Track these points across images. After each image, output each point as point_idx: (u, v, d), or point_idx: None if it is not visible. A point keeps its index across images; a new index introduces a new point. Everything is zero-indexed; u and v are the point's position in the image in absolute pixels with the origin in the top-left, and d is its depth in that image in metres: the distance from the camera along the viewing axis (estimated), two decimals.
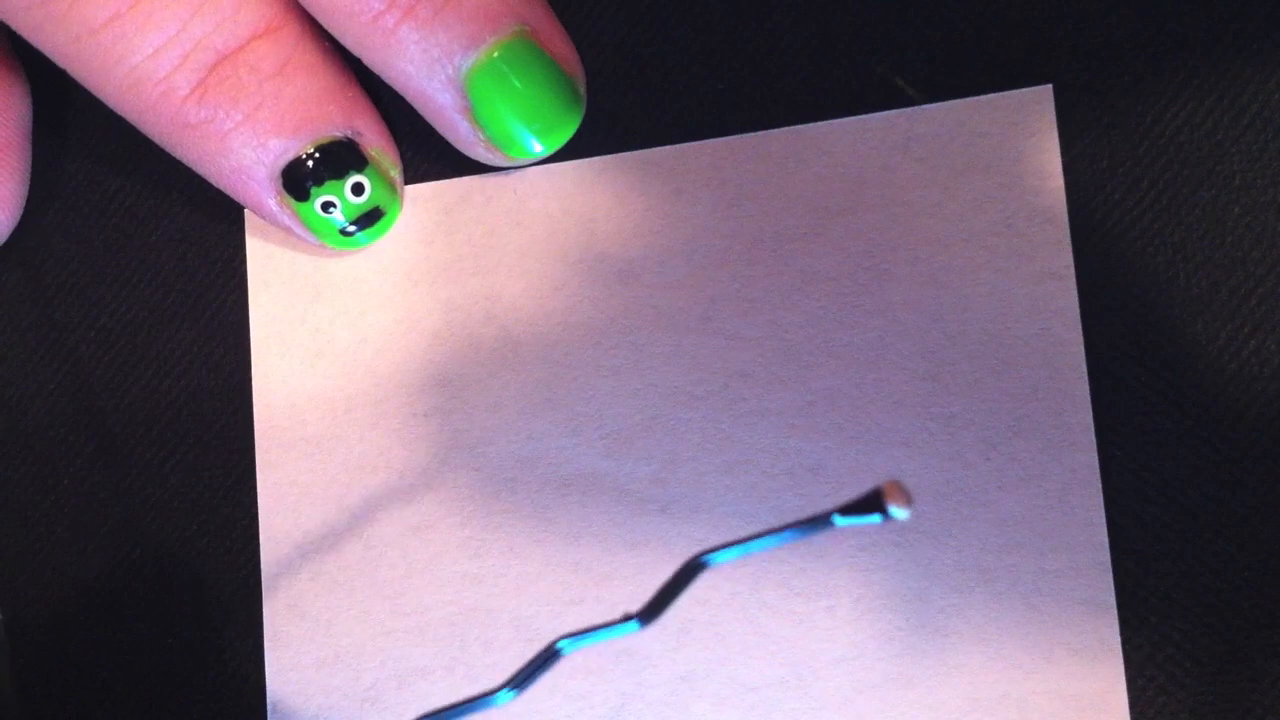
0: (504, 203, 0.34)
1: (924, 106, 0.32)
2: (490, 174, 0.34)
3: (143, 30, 0.30)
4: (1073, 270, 0.31)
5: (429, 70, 0.31)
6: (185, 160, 0.32)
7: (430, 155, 0.34)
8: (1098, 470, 0.30)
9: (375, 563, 0.33)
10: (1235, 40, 0.31)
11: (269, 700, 0.33)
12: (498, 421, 0.33)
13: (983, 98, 0.31)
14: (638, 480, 0.32)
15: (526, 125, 0.32)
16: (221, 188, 0.33)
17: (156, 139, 0.32)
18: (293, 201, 0.32)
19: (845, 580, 0.31)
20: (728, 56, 0.33)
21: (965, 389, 0.31)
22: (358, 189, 0.32)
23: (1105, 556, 0.30)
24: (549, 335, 0.33)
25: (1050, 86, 0.31)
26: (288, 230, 0.33)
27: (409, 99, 0.32)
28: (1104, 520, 0.30)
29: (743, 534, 0.32)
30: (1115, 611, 0.30)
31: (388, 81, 0.32)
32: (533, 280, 0.33)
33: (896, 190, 0.32)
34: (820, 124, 0.32)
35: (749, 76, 0.33)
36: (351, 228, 0.33)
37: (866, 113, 0.32)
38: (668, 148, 0.33)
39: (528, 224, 0.33)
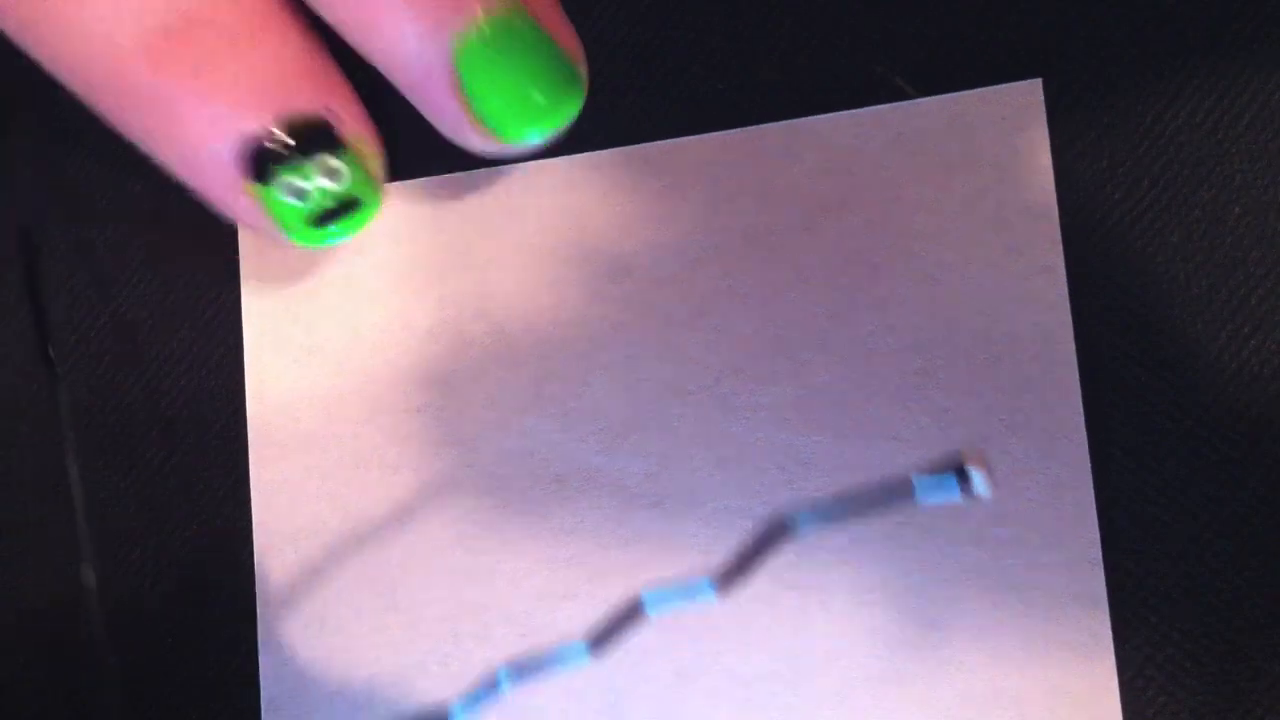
0: (496, 199, 0.34)
1: (915, 101, 0.32)
2: (482, 170, 0.34)
3: None
4: (1064, 265, 0.31)
5: (416, 44, 0.28)
6: (141, 140, 0.29)
7: (421, 151, 0.34)
8: (1089, 465, 0.30)
9: (368, 559, 0.33)
10: (1235, 40, 0.31)
11: (263, 697, 0.34)
12: (490, 417, 0.33)
13: (973, 92, 0.31)
14: (631, 476, 0.32)
15: (519, 105, 0.29)
16: (176, 171, 0.30)
17: (110, 116, 0.29)
18: (256, 186, 0.29)
19: (839, 575, 0.31)
20: (721, 53, 0.33)
21: (957, 384, 0.31)
22: (331, 173, 0.29)
23: (1097, 552, 0.30)
24: (541, 331, 0.33)
25: (1040, 81, 0.31)
26: (249, 224, 0.30)
27: (392, 77, 0.29)
28: (1096, 515, 0.30)
29: (737, 530, 0.32)
30: (1107, 606, 0.30)
31: (369, 58, 0.29)
32: (525, 276, 0.33)
33: (888, 185, 0.32)
34: (811, 119, 0.32)
35: (742, 72, 0.33)
36: (324, 219, 0.30)
37: (858, 107, 0.32)
38: (660, 143, 0.33)
39: (519, 220, 0.34)
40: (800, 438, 0.32)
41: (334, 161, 0.29)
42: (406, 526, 0.33)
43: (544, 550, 0.32)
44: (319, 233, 0.30)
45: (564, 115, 0.29)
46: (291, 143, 0.28)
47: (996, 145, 0.31)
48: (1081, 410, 0.30)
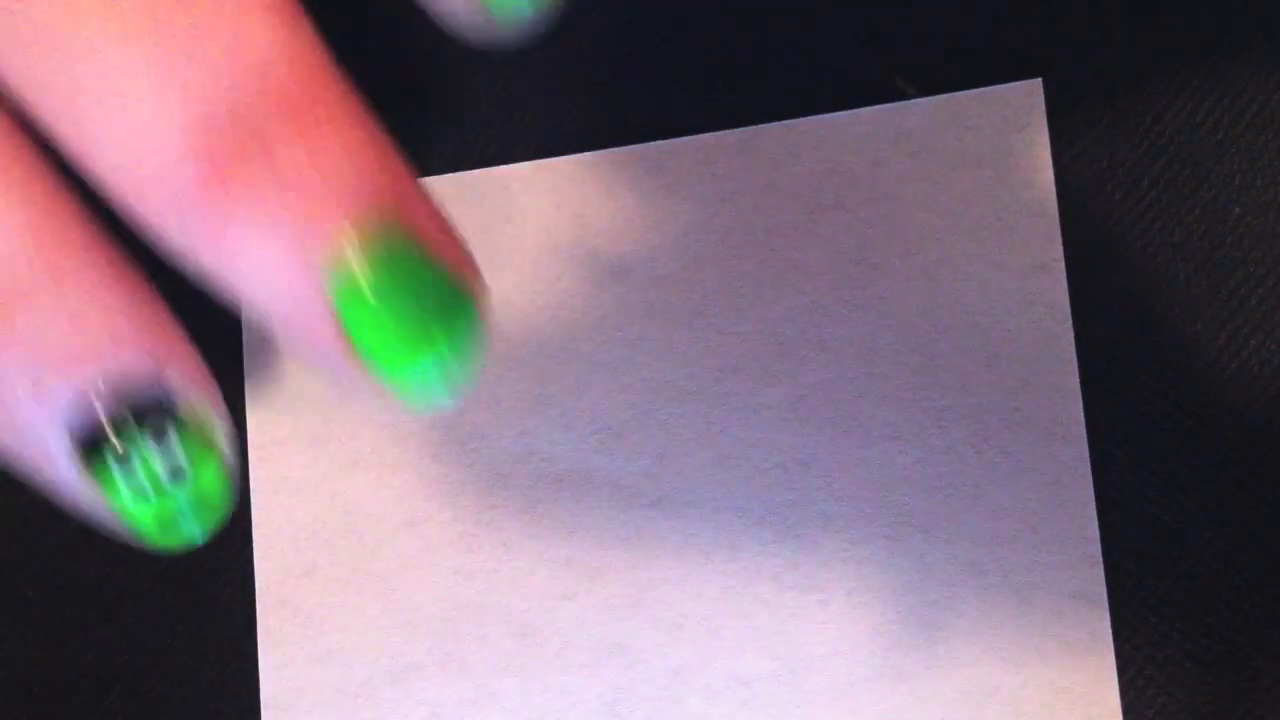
0: (496, 199, 0.34)
1: (914, 101, 0.32)
2: (482, 170, 0.34)
3: None
4: (1063, 264, 0.31)
5: (284, 280, 0.20)
6: None
7: (421, 151, 0.34)
8: (1088, 463, 0.30)
9: (368, 559, 0.33)
10: (1235, 40, 0.31)
11: (263, 697, 0.34)
12: (490, 417, 0.33)
13: (973, 92, 0.31)
14: (630, 475, 0.32)
15: (410, 342, 0.21)
16: (11, 460, 0.23)
17: None
18: (90, 466, 0.21)
19: (838, 574, 0.31)
20: (721, 53, 0.33)
21: (956, 382, 0.31)
22: (161, 438, 0.21)
23: (1096, 550, 0.30)
24: (541, 331, 0.33)
25: (1040, 81, 0.31)
26: (93, 514, 0.22)
27: (265, 317, 0.21)
28: (1095, 513, 0.30)
29: (735, 528, 0.32)
30: (1106, 604, 0.30)
31: (238, 298, 0.21)
32: (525, 276, 0.33)
33: (887, 185, 0.32)
34: (811, 119, 0.32)
35: (742, 72, 0.33)
36: (176, 515, 0.22)
37: (858, 107, 0.32)
38: (659, 143, 0.33)
39: (519, 220, 0.33)
40: (799, 437, 0.32)
41: (167, 429, 0.22)
42: (406, 526, 0.33)
43: (543, 549, 0.32)
44: (170, 529, 0.22)
45: (461, 345, 0.22)
46: (119, 413, 0.21)
47: (996, 145, 0.31)
48: (1081, 410, 0.30)
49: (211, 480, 0.22)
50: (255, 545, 0.34)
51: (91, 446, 0.21)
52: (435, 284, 0.21)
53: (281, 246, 0.20)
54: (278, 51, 0.20)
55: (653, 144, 0.33)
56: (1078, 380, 0.30)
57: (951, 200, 0.31)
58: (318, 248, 0.20)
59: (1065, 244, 0.31)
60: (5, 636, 0.35)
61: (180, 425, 0.21)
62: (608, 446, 0.32)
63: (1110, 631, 0.30)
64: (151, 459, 0.21)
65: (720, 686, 0.31)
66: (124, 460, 0.21)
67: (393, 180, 0.21)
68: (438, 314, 0.21)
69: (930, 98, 0.32)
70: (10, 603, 0.35)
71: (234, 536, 0.35)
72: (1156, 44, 0.31)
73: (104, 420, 0.21)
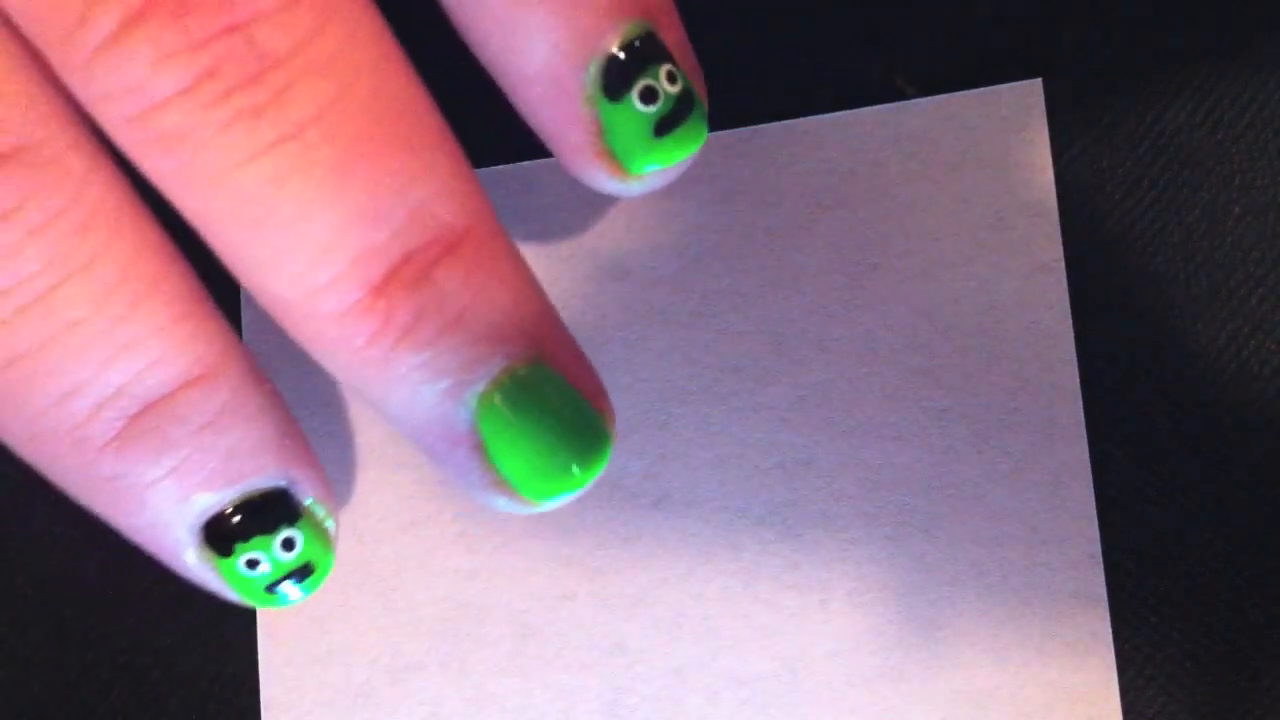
0: (496, 199, 0.34)
1: (915, 101, 0.32)
2: (481, 170, 0.34)
3: (53, 374, 0.24)
4: (1063, 264, 0.31)
5: (434, 405, 0.25)
6: (96, 512, 0.27)
7: None
8: (1088, 463, 0.30)
9: (368, 558, 0.33)
10: (1235, 40, 0.31)
11: (263, 697, 0.33)
12: None
13: (973, 92, 0.31)
14: (630, 475, 0.32)
15: (547, 469, 0.25)
16: (133, 539, 0.27)
17: (67, 489, 0.27)
18: (214, 557, 0.26)
19: (838, 574, 0.31)
20: (721, 52, 0.33)
21: (956, 382, 0.31)
22: (288, 544, 0.27)
23: (1096, 549, 0.30)
24: None
25: (1040, 81, 0.31)
26: (205, 586, 0.27)
27: (412, 439, 0.26)
28: (1095, 513, 0.30)
29: (735, 528, 0.32)
30: (1106, 604, 0.30)
31: (384, 418, 0.26)
32: None
33: (887, 185, 0.32)
34: (811, 119, 0.32)
35: (742, 72, 0.33)
36: (281, 586, 0.27)
37: (858, 107, 0.32)
38: None
39: (519, 220, 0.33)
40: (799, 437, 0.32)
41: (291, 532, 0.27)
42: (406, 526, 0.33)
43: (543, 549, 0.32)
44: (273, 597, 0.28)
45: (594, 474, 0.26)
46: (251, 518, 0.26)
47: (996, 145, 0.31)
48: (1081, 410, 0.30)
49: (317, 555, 0.27)
50: None
51: (220, 547, 0.26)
52: (574, 417, 0.25)
53: (437, 384, 0.24)
54: (443, 191, 0.24)
55: None
56: (1078, 380, 0.30)
57: (952, 200, 0.31)
58: (471, 386, 0.24)
59: (1065, 244, 0.31)
60: (5, 636, 0.35)
61: (302, 526, 0.26)
62: None
63: (1110, 631, 0.30)
64: (271, 550, 0.26)
65: (720, 686, 0.31)
66: (249, 559, 0.26)
67: (540, 317, 0.25)
68: (575, 445, 0.25)
69: (930, 98, 0.32)
70: (10, 603, 0.35)
71: None
72: (1156, 44, 0.31)
73: (238, 530, 0.26)
